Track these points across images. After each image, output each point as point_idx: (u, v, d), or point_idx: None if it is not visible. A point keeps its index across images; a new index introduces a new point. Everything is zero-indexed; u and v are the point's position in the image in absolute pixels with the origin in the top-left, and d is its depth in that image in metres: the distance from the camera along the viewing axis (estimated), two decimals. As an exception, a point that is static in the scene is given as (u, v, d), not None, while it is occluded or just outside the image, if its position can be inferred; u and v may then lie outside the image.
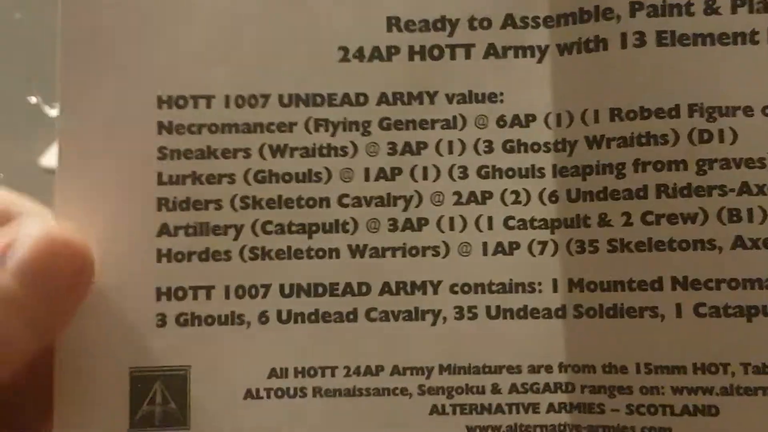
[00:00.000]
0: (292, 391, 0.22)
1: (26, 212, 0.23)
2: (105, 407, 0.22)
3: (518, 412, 0.22)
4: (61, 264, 0.21)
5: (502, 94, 0.23)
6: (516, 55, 0.23)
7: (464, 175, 0.23)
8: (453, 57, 0.23)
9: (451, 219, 0.23)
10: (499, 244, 0.23)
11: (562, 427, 0.22)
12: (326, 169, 0.23)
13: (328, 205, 0.23)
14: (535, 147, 0.23)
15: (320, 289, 0.23)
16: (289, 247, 0.23)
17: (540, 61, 0.23)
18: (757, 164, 0.22)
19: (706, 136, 0.22)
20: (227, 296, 0.23)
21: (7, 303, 0.20)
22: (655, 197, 0.22)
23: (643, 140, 0.22)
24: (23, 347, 0.21)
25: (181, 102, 0.23)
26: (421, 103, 0.23)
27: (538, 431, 0.22)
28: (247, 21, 0.23)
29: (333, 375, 0.22)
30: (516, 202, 0.23)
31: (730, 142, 0.22)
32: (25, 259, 0.20)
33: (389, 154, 0.23)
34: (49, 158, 0.40)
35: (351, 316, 0.23)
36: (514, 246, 0.23)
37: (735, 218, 0.22)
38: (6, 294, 0.20)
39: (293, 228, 0.23)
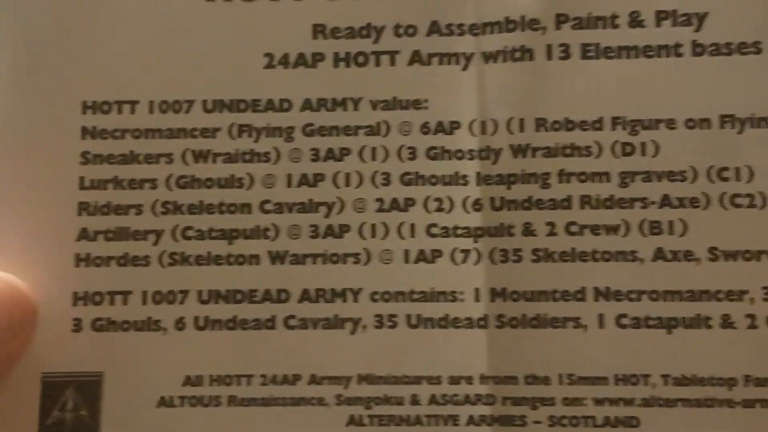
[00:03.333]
0: (206, 400, 0.22)
1: None
2: (14, 412, 0.22)
3: (437, 424, 0.22)
4: (5, 312, 0.21)
5: (426, 100, 0.23)
6: (441, 62, 0.23)
7: (387, 181, 0.22)
8: (378, 64, 0.23)
9: (373, 226, 0.22)
10: (421, 251, 0.22)
11: (482, 440, 0.22)
12: (249, 175, 0.23)
13: (250, 211, 0.23)
14: (459, 154, 0.22)
15: (239, 296, 0.22)
16: (209, 253, 0.22)
17: (465, 68, 0.23)
18: (678, 177, 0.22)
19: (628, 148, 0.22)
20: (144, 302, 0.22)
21: None
22: (579, 208, 0.22)
23: (568, 151, 0.22)
24: None
25: (105, 107, 0.23)
26: (345, 109, 0.23)
27: (458, 444, 0.22)
28: (174, 27, 0.23)
29: (249, 383, 0.22)
30: (439, 209, 0.22)
31: (652, 155, 0.22)
32: None
33: (312, 160, 0.23)
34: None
35: (269, 324, 0.22)
36: (437, 254, 0.22)
37: (656, 230, 0.22)
38: None
39: (214, 234, 0.22)
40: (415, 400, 0.22)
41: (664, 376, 0.21)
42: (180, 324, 0.22)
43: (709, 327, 0.21)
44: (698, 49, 0.22)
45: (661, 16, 0.22)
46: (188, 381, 0.22)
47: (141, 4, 0.23)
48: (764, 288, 0.21)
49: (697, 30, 0.22)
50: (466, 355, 0.22)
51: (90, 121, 0.23)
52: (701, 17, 0.22)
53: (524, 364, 0.22)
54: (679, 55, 0.22)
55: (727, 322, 0.21)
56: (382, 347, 0.22)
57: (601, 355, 0.22)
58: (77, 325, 0.22)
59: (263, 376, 0.22)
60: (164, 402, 0.22)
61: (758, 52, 0.22)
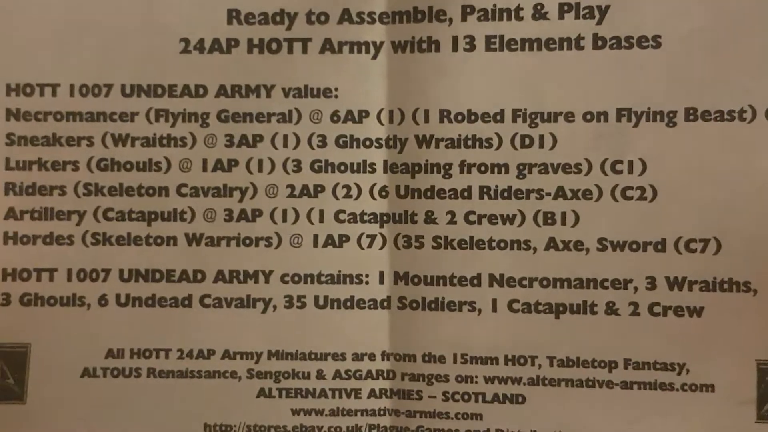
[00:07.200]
0: (127, 371, 0.24)
1: None
2: (-49, 382, 0.23)
3: (341, 396, 0.24)
4: None
5: (336, 89, 0.23)
6: (351, 51, 0.23)
7: (298, 168, 0.23)
8: (290, 51, 0.23)
9: (284, 211, 0.23)
10: (330, 236, 0.23)
11: (382, 411, 0.23)
12: (166, 158, 0.24)
13: (167, 194, 0.24)
14: (368, 143, 0.23)
15: (157, 275, 0.24)
16: (129, 234, 0.24)
17: (375, 57, 0.23)
18: (573, 169, 0.23)
19: (527, 141, 0.23)
20: (69, 279, 0.24)
21: None
22: (479, 198, 0.23)
23: (470, 143, 0.23)
24: None
25: (28, 90, 0.24)
26: (258, 96, 0.24)
27: (359, 414, 0.24)
28: (94, 12, 0.24)
29: (167, 357, 0.24)
30: (347, 196, 0.23)
31: (549, 147, 0.23)
32: None
33: (227, 146, 0.24)
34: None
35: (186, 302, 0.24)
36: (344, 239, 0.23)
37: (550, 221, 0.23)
38: None
39: (133, 215, 0.24)
40: (320, 375, 0.24)
41: (550, 358, 0.23)
42: (102, 300, 0.24)
43: (594, 313, 0.23)
44: (599, 42, 0.23)
45: (564, 9, 0.23)
46: (110, 354, 0.24)
47: (59, -13, 0.24)
48: (648, 278, 0.23)
49: (599, 23, 0.23)
50: (369, 334, 0.23)
51: (14, 103, 0.24)
52: (603, 10, 0.23)
53: (422, 344, 0.23)
54: (580, 48, 0.23)
55: (611, 309, 0.23)
56: (291, 326, 0.24)
57: (493, 337, 0.23)
58: (6, 300, 0.24)
59: (180, 350, 0.24)
60: (87, 372, 0.24)
61: (658, 46, 0.23)
